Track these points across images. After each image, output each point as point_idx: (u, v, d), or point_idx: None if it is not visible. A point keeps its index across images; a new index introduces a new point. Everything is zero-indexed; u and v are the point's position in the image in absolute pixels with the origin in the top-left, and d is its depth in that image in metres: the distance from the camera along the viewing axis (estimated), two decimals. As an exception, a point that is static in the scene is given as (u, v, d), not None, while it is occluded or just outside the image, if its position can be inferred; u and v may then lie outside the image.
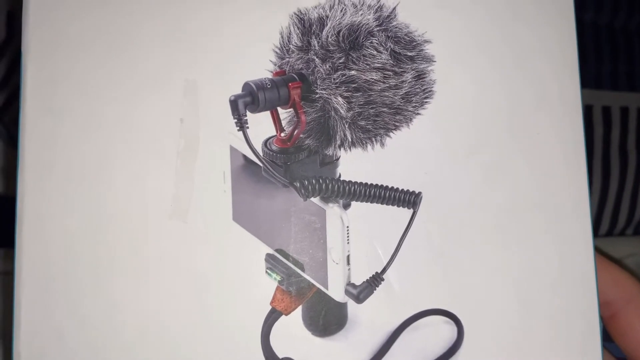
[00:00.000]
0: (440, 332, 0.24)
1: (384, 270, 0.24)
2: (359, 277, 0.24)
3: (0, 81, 0.47)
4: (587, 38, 0.53)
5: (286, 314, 0.24)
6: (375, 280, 0.24)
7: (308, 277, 0.24)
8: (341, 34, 0.23)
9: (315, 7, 0.24)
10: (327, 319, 0.24)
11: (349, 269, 0.24)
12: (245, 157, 0.24)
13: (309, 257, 0.24)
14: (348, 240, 0.23)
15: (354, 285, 0.23)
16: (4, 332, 0.38)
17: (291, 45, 0.24)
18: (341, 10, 0.24)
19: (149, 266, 0.23)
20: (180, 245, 0.23)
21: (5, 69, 0.48)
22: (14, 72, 0.48)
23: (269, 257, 0.24)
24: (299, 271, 0.24)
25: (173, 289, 0.23)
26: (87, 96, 0.24)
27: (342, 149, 0.24)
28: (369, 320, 0.24)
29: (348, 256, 0.23)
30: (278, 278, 0.24)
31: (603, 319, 0.30)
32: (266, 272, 0.24)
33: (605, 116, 0.51)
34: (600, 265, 0.29)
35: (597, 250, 0.31)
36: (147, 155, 0.24)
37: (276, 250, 0.24)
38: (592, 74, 0.52)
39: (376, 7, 0.24)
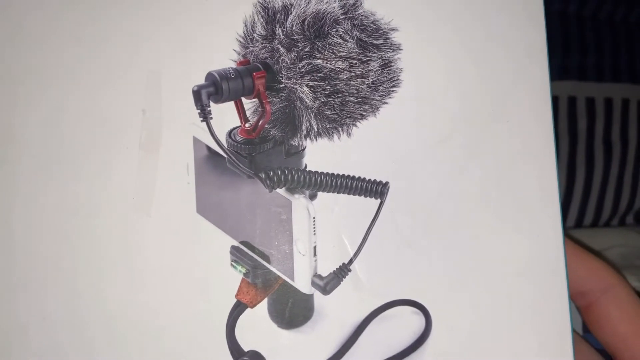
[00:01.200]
0: (408, 323, 0.24)
1: (351, 261, 0.23)
2: (326, 269, 0.23)
3: None
4: (571, 29, 0.53)
5: (252, 307, 0.23)
6: (342, 271, 0.23)
7: (274, 269, 0.24)
8: (306, 22, 0.23)
9: (280, -5, 0.24)
10: (293, 311, 0.24)
11: (315, 260, 0.23)
12: (209, 148, 0.24)
13: (274, 249, 0.24)
14: (314, 231, 0.23)
15: (320, 277, 0.23)
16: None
17: (255, 34, 0.24)
18: (306, -2, 0.24)
19: (113, 259, 0.23)
20: (144, 239, 0.23)
21: None
22: None
23: (234, 250, 0.24)
24: (264, 263, 0.24)
25: (137, 282, 0.23)
26: (48, 88, 0.23)
27: (308, 139, 0.24)
28: (336, 312, 0.24)
29: (315, 247, 0.23)
30: (243, 270, 0.23)
31: (580, 310, 0.29)
32: (231, 264, 0.24)
33: (589, 108, 0.51)
34: (576, 255, 0.28)
35: (575, 240, 0.30)
36: (110, 147, 0.23)
37: (241, 243, 0.24)
38: (576, 65, 0.52)
39: (342, -6, 0.24)
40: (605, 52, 0.52)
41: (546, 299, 0.24)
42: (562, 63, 0.52)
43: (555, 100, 0.51)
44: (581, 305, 0.29)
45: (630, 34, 0.54)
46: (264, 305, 0.24)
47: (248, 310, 0.23)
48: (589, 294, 0.28)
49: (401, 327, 0.23)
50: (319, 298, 0.24)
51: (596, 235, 0.46)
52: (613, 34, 0.53)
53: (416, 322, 0.24)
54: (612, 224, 0.49)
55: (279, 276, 0.24)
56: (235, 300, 0.23)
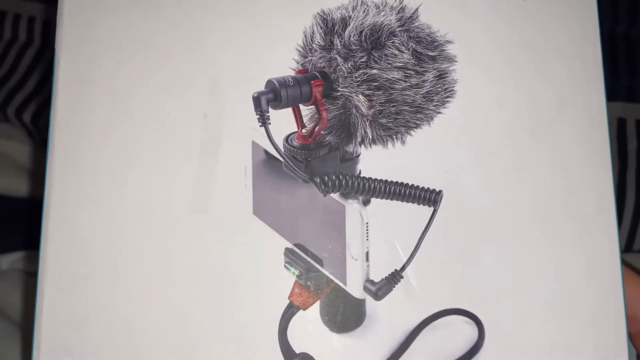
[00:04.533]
0: (460, 333, 0.23)
1: (404, 267, 0.24)
2: (378, 274, 0.23)
3: (34, 87, 0.50)
4: (620, 51, 0.52)
5: (304, 309, 0.23)
6: (394, 277, 0.23)
7: (326, 273, 0.24)
8: (363, 33, 0.24)
9: (338, 8, 0.25)
10: (345, 315, 0.24)
11: (367, 266, 0.23)
12: (266, 152, 0.24)
13: (327, 253, 0.24)
14: (367, 236, 0.23)
15: (372, 282, 0.23)
16: (25, 331, 0.39)
17: (314, 45, 0.24)
18: (364, 11, 0.24)
19: (170, 257, 0.24)
20: (201, 238, 0.24)
21: (39, 77, 0.50)
22: (47, 80, 0.50)
23: (288, 252, 0.24)
24: (317, 266, 0.24)
25: (193, 280, 0.24)
26: (115, 93, 0.25)
27: (362, 146, 0.24)
28: (388, 318, 0.24)
29: (367, 252, 0.23)
30: (297, 272, 0.24)
31: (630, 335, 0.28)
32: (285, 266, 0.24)
33: (639, 129, 0.50)
34: (629, 280, 0.28)
35: (628, 265, 0.29)
36: (172, 149, 0.24)
37: (295, 245, 0.24)
38: (625, 87, 0.51)
39: (398, 8, 0.25)
40: (656, 74, 0.51)
41: (602, 315, 0.23)
42: (611, 85, 0.51)
43: (603, 122, 0.50)
44: (632, 331, 0.28)
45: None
46: (315, 308, 0.24)
47: (300, 312, 0.23)
48: None
49: (454, 336, 0.23)
50: (370, 303, 0.24)
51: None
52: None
53: (469, 332, 0.23)
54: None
55: (331, 280, 0.24)
56: (287, 301, 0.23)
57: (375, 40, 0.24)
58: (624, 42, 0.53)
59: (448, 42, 0.25)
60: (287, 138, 0.24)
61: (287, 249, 0.24)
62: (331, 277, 0.24)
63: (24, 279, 0.41)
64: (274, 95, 0.23)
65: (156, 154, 0.24)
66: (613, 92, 0.50)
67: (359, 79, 0.24)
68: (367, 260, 0.23)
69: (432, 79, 0.24)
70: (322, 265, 0.24)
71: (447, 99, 0.25)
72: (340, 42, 0.24)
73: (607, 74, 0.51)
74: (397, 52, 0.24)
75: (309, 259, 0.24)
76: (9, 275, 0.41)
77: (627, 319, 0.24)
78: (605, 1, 0.51)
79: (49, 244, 0.24)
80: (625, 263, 0.30)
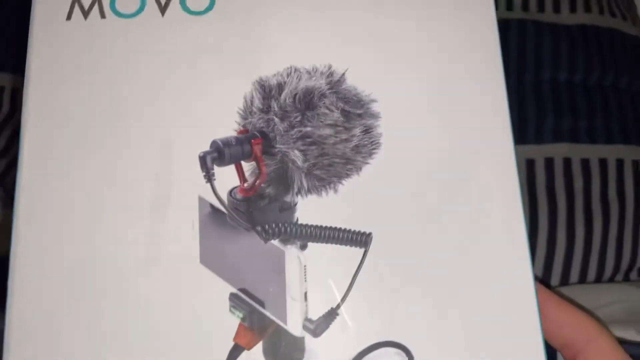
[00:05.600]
0: (393, 364, 0.25)
1: (339, 305, 0.26)
2: (316, 312, 0.26)
3: (2, 149, 0.53)
4: (562, 96, 0.56)
5: (248, 349, 0.25)
6: (331, 315, 0.25)
7: (268, 314, 0.26)
8: (297, 96, 0.27)
9: (274, 75, 0.28)
10: (286, 352, 0.26)
11: (306, 305, 0.25)
12: (212, 206, 0.27)
13: (269, 295, 0.26)
14: (306, 278, 0.26)
15: (311, 321, 0.25)
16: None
17: (253, 108, 0.28)
18: (297, 77, 0.28)
19: (127, 305, 0.26)
20: (153, 287, 0.26)
21: (6, 139, 0.54)
22: (14, 142, 0.54)
23: (233, 296, 0.26)
24: (260, 308, 0.26)
25: (148, 326, 0.26)
26: (74, 155, 0.27)
27: (299, 195, 0.27)
28: (326, 353, 0.25)
29: (305, 293, 0.26)
30: (241, 315, 0.26)
31: None
32: (230, 310, 0.26)
33: (585, 168, 0.53)
34: (561, 309, 0.30)
35: (565, 297, 0.32)
36: (127, 206, 0.27)
37: (240, 290, 0.26)
38: (569, 129, 0.54)
39: (327, 73, 0.28)
40: (597, 115, 0.55)
41: (520, 345, 0.25)
42: (555, 126, 0.55)
43: (550, 162, 0.54)
44: (567, 357, 0.30)
45: (620, 98, 0.57)
46: (259, 347, 0.26)
47: (245, 352, 0.25)
48: (574, 345, 0.29)
49: (386, 367, 0.25)
50: (309, 340, 0.26)
51: (599, 291, 0.47)
52: (603, 99, 0.56)
53: (400, 363, 0.25)
54: (616, 280, 0.50)
55: (273, 320, 0.26)
56: (233, 343, 0.25)
57: (308, 102, 0.27)
58: (566, 87, 0.57)
59: (373, 101, 0.28)
60: (230, 192, 0.27)
61: (231, 294, 0.26)
62: (273, 317, 0.26)
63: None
64: (218, 154, 0.26)
65: (113, 211, 0.27)
66: (558, 134, 0.54)
67: (294, 136, 0.27)
68: (306, 300, 0.26)
69: (359, 134, 0.27)
70: (264, 307, 0.26)
71: (373, 151, 0.28)
72: (277, 104, 0.27)
73: (551, 117, 0.55)
74: (327, 111, 0.27)
75: (252, 302, 0.26)
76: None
77: (544, 343, 0.26)
78: (548, 52, 0.56)
79: (14, 299, 0.26)
80: (563, 295, 0.33)
